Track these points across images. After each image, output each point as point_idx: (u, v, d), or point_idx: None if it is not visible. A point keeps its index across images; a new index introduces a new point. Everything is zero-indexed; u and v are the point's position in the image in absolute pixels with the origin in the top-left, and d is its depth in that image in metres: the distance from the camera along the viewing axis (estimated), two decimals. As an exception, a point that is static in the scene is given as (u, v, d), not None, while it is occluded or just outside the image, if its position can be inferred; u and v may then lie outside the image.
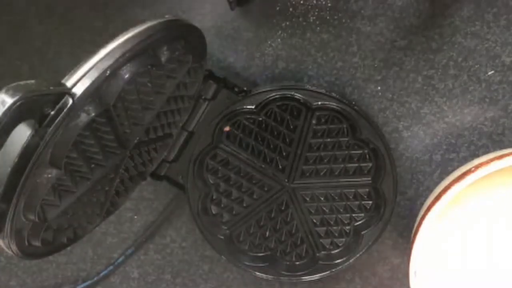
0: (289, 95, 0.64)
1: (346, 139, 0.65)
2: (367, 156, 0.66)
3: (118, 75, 0.46)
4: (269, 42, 0.69)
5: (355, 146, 0.66)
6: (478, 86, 0.67)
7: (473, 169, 0.54)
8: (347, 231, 0.68)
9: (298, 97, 0.64)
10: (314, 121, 0.65)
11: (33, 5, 0.72)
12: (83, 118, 0.44)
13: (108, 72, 0.43)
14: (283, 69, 0.70)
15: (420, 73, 0.68)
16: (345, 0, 0.67)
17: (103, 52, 0.44)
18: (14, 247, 0.45)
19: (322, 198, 0.68)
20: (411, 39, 0.67)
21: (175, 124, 0.64)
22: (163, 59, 0.51)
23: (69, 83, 0.42)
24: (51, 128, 0.40)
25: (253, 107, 0.65)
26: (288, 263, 0.69)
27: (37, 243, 0.49)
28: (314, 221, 0.68)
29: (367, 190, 0.67)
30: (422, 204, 0.70)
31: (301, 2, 0.68)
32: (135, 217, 0.76)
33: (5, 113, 0.35)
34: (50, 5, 0.72)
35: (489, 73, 0.67)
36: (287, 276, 0.68)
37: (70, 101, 0.41)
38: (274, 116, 0.66)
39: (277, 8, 0.68)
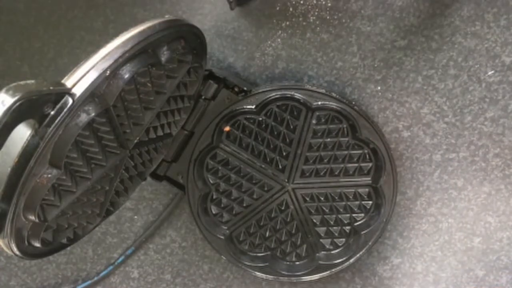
0: (289, 95, 0.64)
1: (346, 139, 0.65)
2: (367, 156, 0.66)
3: (118, 75, 0.46)
4: (269, 42, 0.69)
5: (355, 146, 0.66)
6: (478, 86, 0.67)
7: None
8: (347, 231, 0.68)
9: (298, 97, 0.64)
10: (314, 121, 0.65)
11: (33, 6, 0.72)
12: (83, 118, 0.44)
13: (108, 72, 0.43)
14: (283, 69, 0.70)
15: (420, 73, 0.68)
16: (345, 0, 0.67)
17: (103, 52, 0.44)
18: (14, 247, 0.45)
19: (322, 198, 0.68)
20: (411, 39, 0.67)
21: (175, 124, 0.64)
22: (163, 59, 0.51)
23: (69, 83, 0.42)
24: (51, 128, 0.40)
25: (253, 107, 0.65)
26: (288, 263, 0.69)
27: (37, 243, 0.49)
28: (314, 221, 0.68)
29: (367, 190, 0.67)
30: (422, 204, 0.70)
31: (301, 2, 0.68)
32: (135, 217, 0.76)
33: (5, 113, 0.35)
34: (50, 5, 0.72)
35: (489, 73, 0.67)
36: (287, 276, 0.68)
37: (70, 101, 0.41)
38: (274, 116, 0.66)
39: (277, 8, 0.68)
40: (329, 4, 0.67)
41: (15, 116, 0.36)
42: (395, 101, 0.69)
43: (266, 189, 0.68)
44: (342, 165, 0.66)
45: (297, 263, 0.69)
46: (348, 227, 0.68)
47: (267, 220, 0.69)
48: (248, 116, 0.66)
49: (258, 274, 0.69)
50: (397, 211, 0.70)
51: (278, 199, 0.68)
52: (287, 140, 0.66)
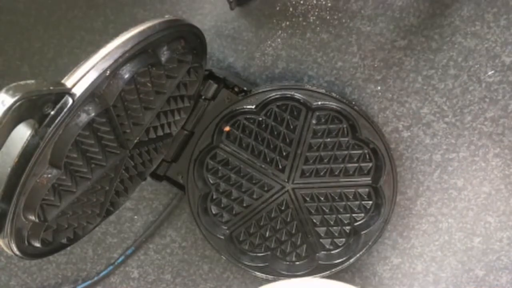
0: (289, 95, 0.64)
1: (346, 139, 0.65)
2: (367, 156, 0.66)
3: (118, 75, 0.46)
4: (269, 42, 0.69)
5: (355, 146, 0.66)
6: (478, 86, 0.67)
7: None
8: (347, 231, 0.68)
9: (298, 97, 0.64)
10: (314, 121, 0.65)
11: (33, 6, 0.72)
12: (83, 118, 0.44)
13: (108, 72, 0.43)
14: (283, 69, 0.70)
15: (420, 73, 0.68)
16: (345, 0, 0.67)
17: (103, 52, 0.44)
18: (14, 247, 0.45)
19: (322, 198, 0.68)
20: (411, 39, 0.67)
21: (175, 124, 0.64)
22: (163, 59, 0.51)
23: (69, 83, 0.42)
24: (51, 128, 0.40)
25: (253, 107, 0.65)
26: (288, 263, 0.69)
27: (37, 243, 0.49)
28: (314, 221, 0.68)
29: (367, 190, 0.67)
30: (422, 204, 0.70)
31: (301, 2, 0.68)
32: (135, 217, 0.76)
33: (5, 113, 0.35)
34: (50, 5, 0.72)
35: (489, 73, 0.67)
36: (287, 276, 0.68)
37: (70, 101, 0.41)
38: (274, 116, 0.66)
39: (277, 8, 0.68)
40: (329, 4, 0.67)
41: (15, 116, 0.36)
42: (395, 101, 0.69)
43: (266, 189, 0.68)
44: (342, 165, 0.66)
45: (297, 263, 0.69)
46: (348, 227, 0.68)
47: (267, 220, 0.69)
48: (248, 116, 0.66)
49: (258, 274, 0.69)
50: (397, 211, 0.70)
51: (278, 199, 0.68)
52: (287, 140, 0.66)
